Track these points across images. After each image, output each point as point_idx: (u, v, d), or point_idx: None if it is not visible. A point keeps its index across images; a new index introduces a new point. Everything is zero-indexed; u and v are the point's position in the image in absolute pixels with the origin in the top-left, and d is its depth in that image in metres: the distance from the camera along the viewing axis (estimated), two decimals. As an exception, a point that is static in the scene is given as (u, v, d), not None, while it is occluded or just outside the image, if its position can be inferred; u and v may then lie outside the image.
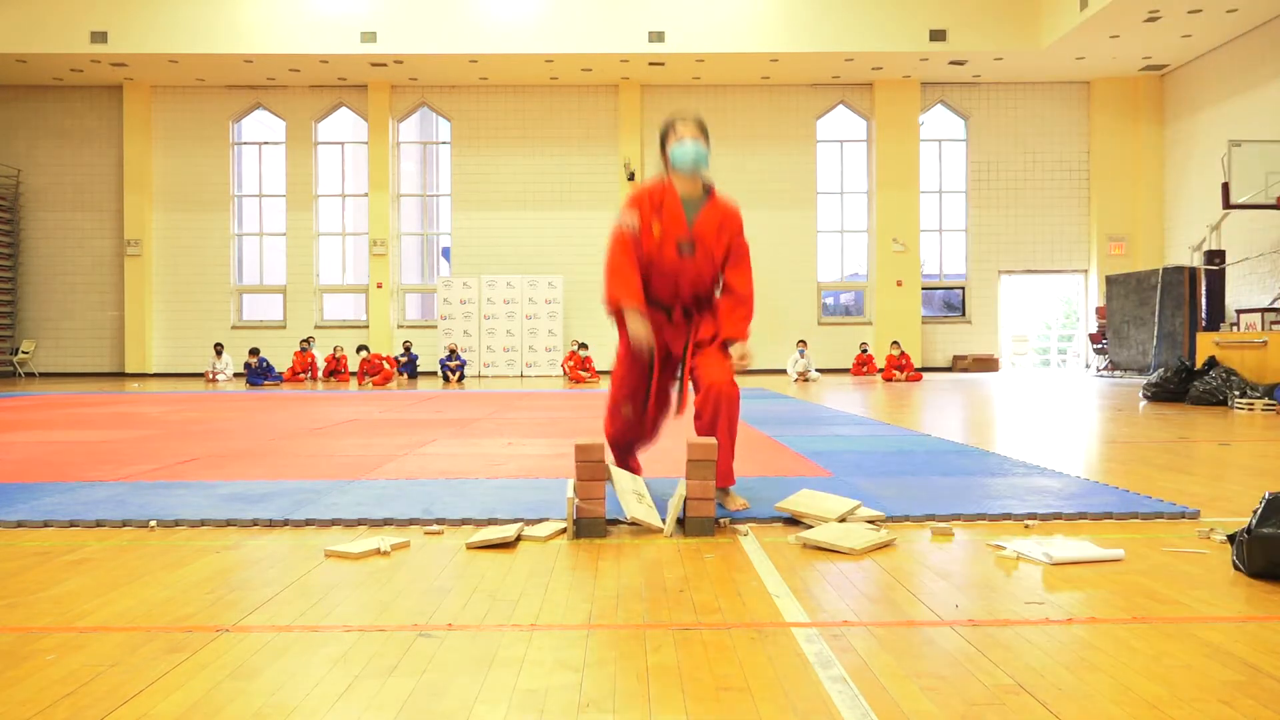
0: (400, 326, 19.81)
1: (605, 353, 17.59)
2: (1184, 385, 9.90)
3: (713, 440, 3.32)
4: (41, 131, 19.58)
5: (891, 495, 3.93)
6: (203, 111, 19.67)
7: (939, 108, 19.66)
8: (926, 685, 1.88)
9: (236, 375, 18.38)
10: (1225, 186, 13.93)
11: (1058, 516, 3.54)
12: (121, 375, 19.28)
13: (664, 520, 3.33)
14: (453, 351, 17.23)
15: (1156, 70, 18.39)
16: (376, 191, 19.48)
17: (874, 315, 19.45)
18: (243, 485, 4.31)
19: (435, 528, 3.39)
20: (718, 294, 3.86)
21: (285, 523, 3.49)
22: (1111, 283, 16.98)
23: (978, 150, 19.61)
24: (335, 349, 17.70)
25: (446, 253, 20.59)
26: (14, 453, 5.68)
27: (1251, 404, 8.89)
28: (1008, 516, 3.53)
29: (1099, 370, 17.67)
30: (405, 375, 17.72)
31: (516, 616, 2.37)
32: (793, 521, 3.45)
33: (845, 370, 19.08)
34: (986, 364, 19.31)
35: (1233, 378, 9.48)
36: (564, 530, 3.31)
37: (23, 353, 19.35)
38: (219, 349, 17.78)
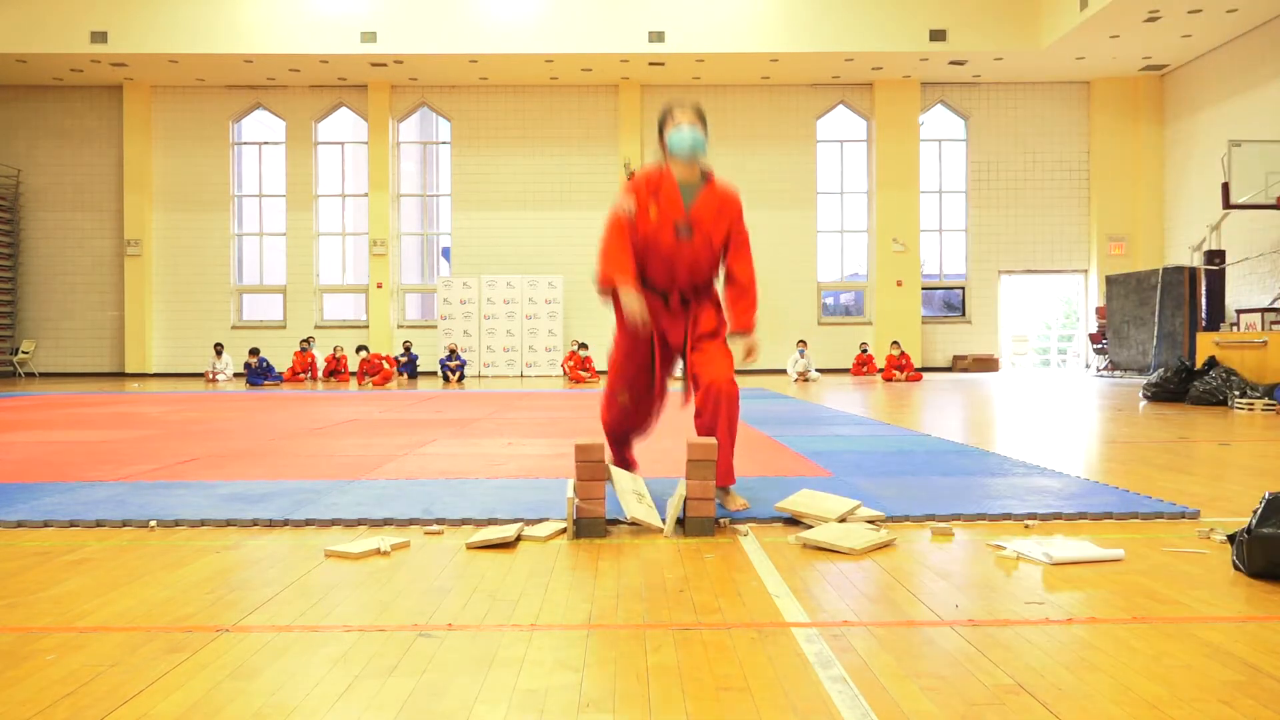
0: (400, 326, 19.81)
1: (605, 351, 17.58)
2: (1184, 385, 9.90)
3: (713, 440, 3.33)
4: (41, 131, 19.58)
5: (891, 495, 3.93)
6: (203, 111, 19.67)
7: (939, 108, 19.66)
8: (926, 685, 1.88)
9: (236, 375, 18.38)
10: (1225, 186, 13.93)
11: (1058, 516, 3.54)
12: (121, 375, 19.28)
13: (664, 520, 3.33)
14: (453, 351, 17.23)
15: (1156, 70, 18.39)
16: (376, 191, 19.48)
17: (874, 315, 19.45)
18: (243, 485, 4.31)
19: (435, 528, 3.39)
20: (717, 283, 3.86)
21: (285, 523, 3.49)
22: (1111, 283, 16.98)
23: (978, 150, 19.61)
24: (335, 349, 17.70)
25: (446, 253, 20.59)
26: (14, 453, 5.68)
27: (1251, 404, 8.89)
28: (1008, 516, 3.53)
29: (1099, 370, 17.67)
30: (405, 375, 17.72)
31: (516, 616, 2.37)
32: (793, 521, 3.45)
33: (845, 370, 19.08)
34: (986, 364, 19.31)
35: (1233, 378, 9.48)
36: (564, 530, 3.31)
37: (23, 353, 19.35)
38: (219, 349, 17.78)
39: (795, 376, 16.34)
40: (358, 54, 17.63)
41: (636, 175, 3.76)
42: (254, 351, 16.65)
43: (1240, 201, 13.71)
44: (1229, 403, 9.27)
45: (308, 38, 17.51)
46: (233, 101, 19.70)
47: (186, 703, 1.81)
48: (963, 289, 19.88)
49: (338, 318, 20.38)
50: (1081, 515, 3.54)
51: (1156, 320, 15.32)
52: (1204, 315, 14.55)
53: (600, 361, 17.57)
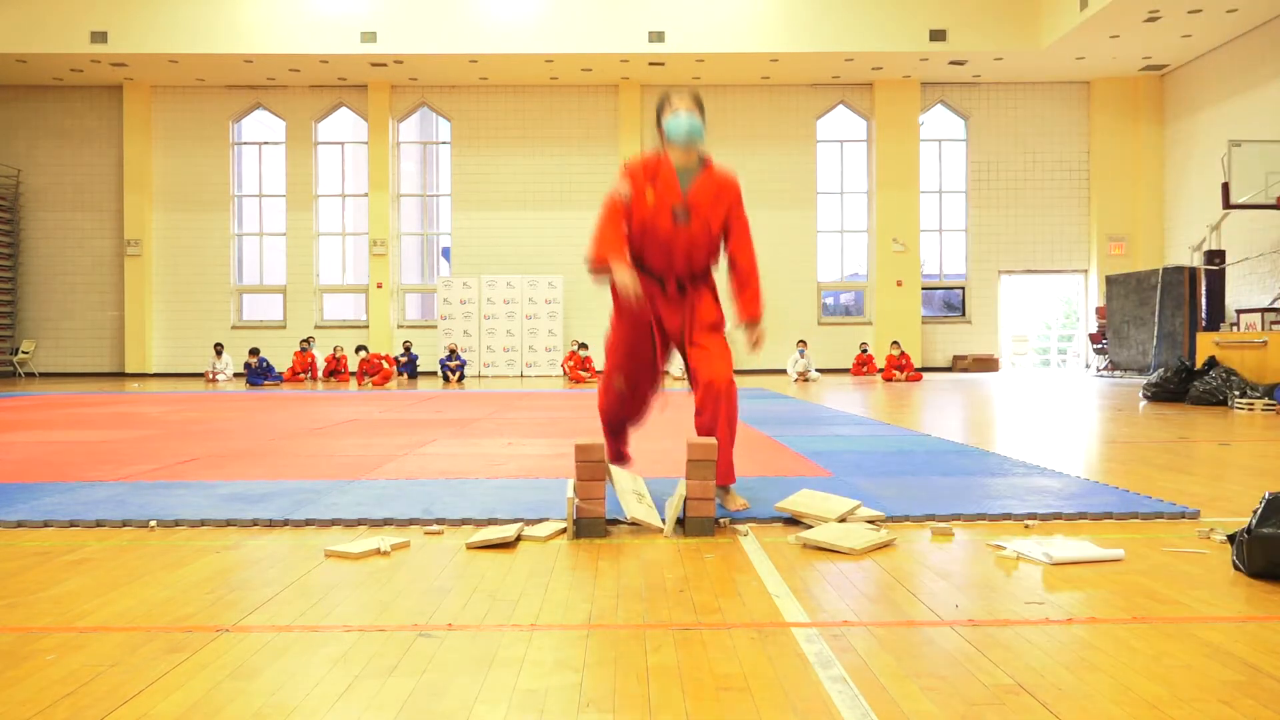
0: (400, 326, 19.81)
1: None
2: (1184, 385, 9.90)
3: (713, 440, 3.32)
4: (41, 131, 19.58)
5: (891, 495, 3.93)
6: (203, 111, 19.67)
7: (939, 108, 19.66)
8: (926, 685, 1.88)
9: (236, 375, 18.38)
10: (1225, 186, 13.93)
11: (1058, 516, 3.53)
12: (121, 375, 19.28)
13: (664, 520, 3.33)
14: (453, 351, 17.23)
15: (1156, 70, 18.39)
16: (376, 191, 19.48)
17: (874, 315, 19.45)
18: (243, 485, 4.31)
19: (435, 528, 3.39)
20: (714, 271, 3.86)
21: (285, 523, 3.49)
22: (1111, 283, 16.98)
23: (978, 150, 19.61)
24: (335, 349, 17.70)
25: (446, 253, 20.59)
26: (14, 453, 5.68)
27: (1251, 404, 8.89)
28: (1008, 516, 3.53)
29: (1099, 370, 17.67)
30: (405, 375, 17.72)
31: (516, 616, 2.37)
32: (793, 521, 3.45)
33: (845, 370, 19.08)
34: (986, 364, 19.31)
35: (1233, 378, 9.48)
36: (564, 530, 3.31)
37: (23, 353, 19.35)
38: (219, 349, 17.78)
39: (795, 376, 16.34)
40: (358, 54, 17.63)
41: (634, 160, 3.77)
42: (254, 351, 16.66)
43: (1240, 201, 13.71)
44: (1229, 403, 9.27)
45: (308, 38, 17.51)
46: (233, 101, 19.70)
47: (186, 703, 1.81)
48: (963, 289, 19.89)
49: (338, 318, 20.38)
50: (1081, 515, 3.54)
51: (1156, 320, 15.32)
52: (1204, 315, 14.55)
53: (600, 361, 17.57)
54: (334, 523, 3.49)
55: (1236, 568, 2.76)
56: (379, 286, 19.45)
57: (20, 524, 3.48)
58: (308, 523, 3.49)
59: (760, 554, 3.01)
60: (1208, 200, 16.59)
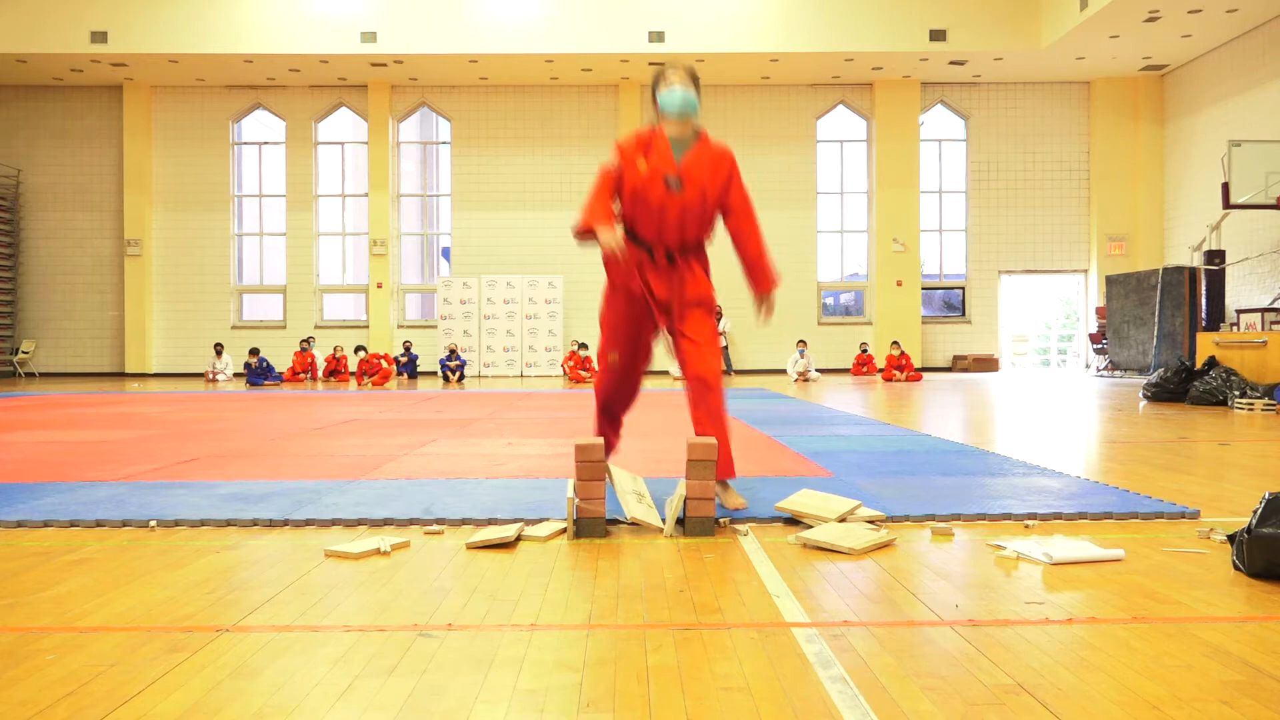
0: (400, 326, 19.81)
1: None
2: (1184, 385, 9.90)
3: (712, 440, 3.32)
4: (41, 131, 19.58)
5: (891, 495, 3.93)
6: (203, 111, 19.67)
7: (939, 108, 19.66)
8: (926, 685, 1.88)
9: (236, 375, 18.39)
10: (1225, 186, 13.93)
11: (1058, 516, 3.53)
12: (121, 375, 19.29)
13: (664, 520, 3.33)
14: (453, 351, 17.24)
15: (1156, 70, 18.39)
16: (376, 191, 19.48)
17: (874, 315, 19.45)
18: (243, 485, 4.31)
19: (435, 528, 3.39)
20: (706, 244, 3.87)
21: (285, 523, 3.49)
22: (1111, 283, 16.98)
23: (978, 150, 19.61)
24: (335, 349, 17.71)
25: (446, 253, 20.59)
26: (14, 453, 5.68)
27: (1251, 404, 8.89)
28: (1008, 516, 3.53)
29: (1099, 370, 17.67)
30: (405, 375, 17.72)
31: (516, 616, 2.37)
32: (793, 521, 3.45)
33: (845, 370, 19.08)
34: (986, 364, 19.31)
35: (1233, 378, 9.48)
36: (564, 530, 3.31)
37: (23, 353, 19.35)
38: (219, 349, 17.78)
39: (795, 376, 16.34)
40: (358, 54, 17.63)
41: (626, 136, 3.79)
42: (254, 351, 16.66)
43: (1240, 201, 13.71)
44: (1229, 403, 9.27)
45: (308, 38, 17.51)
46: (233, 101, 19.70)
47: (186, 703, 1.81)
48: (963, 289, 19.89)
49: (338, 318, 20.38)
50: (1081, 515, 3.54)
51: (1156, 320, 15.32)
52: (1204, 315, 14.55)
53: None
54: (334, 523, 3.49)
55: (1236, 568, 2.76)
56: (379, 286, 19.45)
57: (20, 524, 3.48)
58: (308, 523, 3.49)
59: (760, 554, 3.00)
60: (1208, 200, 16.60)
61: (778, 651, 2.09)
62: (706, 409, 3.64)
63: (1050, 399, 10.81)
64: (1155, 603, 2.46)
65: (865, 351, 18.22)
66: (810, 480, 4.35)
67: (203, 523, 3.49)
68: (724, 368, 18.12)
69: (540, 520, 3.46)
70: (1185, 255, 16.60)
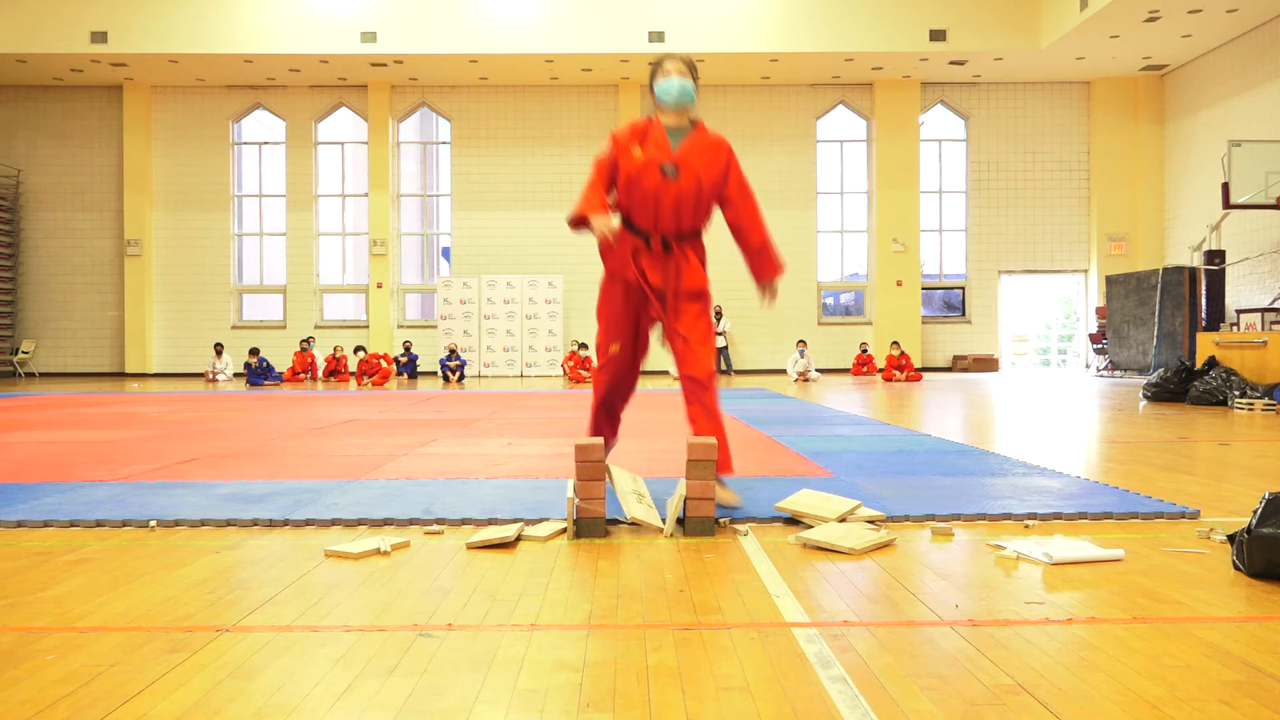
0: (400, 326, 19.81)
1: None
2: (1184, 385, 9.90)
3: (713, 440, 3.32)
4: (41, 131, 19.58)
5: (891, 495, 3.93)
6: (203, 111, 19.68)
7: (939, 108, 19.66)
8: (926, 685, 1.88)
9: (236, 375, 18.39)
10: (1225, 186, 13.93)
11: (1058, 516, 3.53)
12: (121, 375, 19.29)
13: (664, 520, 3.33)
14: (453, 351, 17.24)
15: (1156, 70, 18.39)
16: (376, 191, 19.49)
17: (874, 315, 19.45)
18: (243, 485, 4.31)
19: (435, 528, 3.39)
20: (702, 233, 3.89)
21: (285, 523, 3.49)
22: (1111, 283, 16.99)
23: (978, 150, 19.61)
24: (335, 349, 17.71)
25: (446, 253, 20.59)
26: (14, 453, 5.68)
27: (1251, 404, 8.89)
28: (1008, 516, 3.53)
29: (1099, 370, 17.67)
30: (405, 375, 17.72)
31: (516, 616, 2.37)
32: (793, 521, 3.45)
33: (845, 370, 19.08)
34: (986, 364, 19.31)
35: (1233, 378, 9.48)
36: (564, 530, 3.31)
37: (23, 353, 19.35)
38: (219, 349, 17.78)
39: (795, 376, 16.34)
40: (358, 54, 17.63)
41: (621, 127, 3.82)
42: (254, 351, 16.66)
43: (1240, 201, 13.71)
44: (1229, 403, 9.27)
45: (308, 38, 17.51)
46: (233, 101, 19.70)
47: (186, 703, 1.81)
48: (963, 289, 19.89)
49: (338, 318, 20.38)
50: (1081, 515, 3.54)
51: (1156, 320, 15.32)
52: (1204, 315, 14.55)
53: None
54: (334, 523, 3.49)
55: (1236, 568, 2.76)
56: (379, 286, 19.45)
57: (20, 524, 3.48)
58: (308, 523, 3.49)
59: (760, 554, 3.00)
60: (1208, 200, 16.60)
61: (778, 651, 2.09)
62: (702, 406, 3.66)
63: (1050, 399, 10.80)
64: (1155, 603, 2.46)
65: (865, 351, 18.22)
66: (810, 480, 4.35)
67: (203, 523, 3.49)
68: (724, 367, 18.33)
69: (540, 520, 3.46)
70: (1185, 255, 16.60)
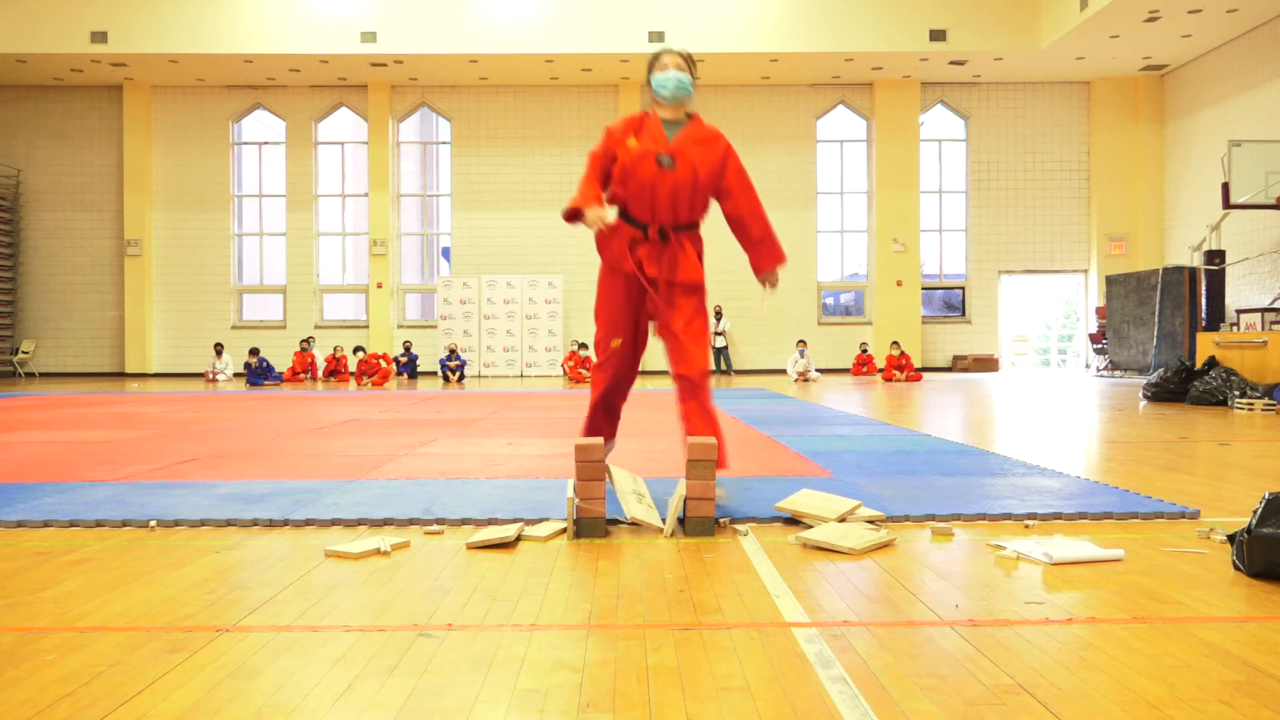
0: (400, 326, 19.81)
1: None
2: (1184, 385, 9.90)
3: (713, 440, 3.32)
4: (41, 131, 19.58)
5: (891, 495, 3.93)
6: (203, 111, 19.68)
7: (939, 108, 19.66)
8: (926, 685, 1.88)
9: (236, 375, 18.38)
10: (1225, 186, 13.93)
11: (1058, 516, 3.53)
12: (121, 375, 19.28)
13: (664, 520, 3.33)
14: (453, 351, 17.24)
15: (1156, 70, 18.39)
16: (376, 191, 19.48)
17: (874, 315, 19.45)
18: (243, 485, 4.31)
19: (435, 528, 3.39)
20: (699, 225, 3.89)
21: (285, 523, 3.49)
22: (1111, 283, 16.99)
23: (978, 150, 19.61)
24: (335, 349, 17.71)
25: (446, 253, 20.59)
26: (14, 453, 5.68)
27: (1251, 404, 8.89)
28: (1008, 516, 3.53)
29: (1099, 370, 17.67)
30: (405, 375, 17.72)
31: (516, 616, 2.37)
32: (793, 521, 3.45)
33: (845, 370, 19.08)
34: (986, 364, 19.31)
35: (1233, 378, 9.48)
36: (564, 530, 3.31)
37: (23, 353, 19.35)
38: (219, 349, 17.78)
39: (795, 376, 16.34)
40: (358, 54, 17.63)
41: (616, 120, 3.84)
42: (254, 351, 16.66)
43: (1240, 201, 13.71)
44: (1229, 403, 9.27)
45: (308, 38, 17.51)
46: (233, 101, 19.70)
47: (186, 703, 1.81)
48: (963, 289, 19.89)
49: (338, 318, 20.38)
50: (1081, 515, 3.54)
51: (1156, 320, 15.32)
52: (1204, 315, 14.55)
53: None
54: (334, 523, 3.49)
55: (1236, 568, 2.76)
56: (379, 286, 19.45)
57: (20, 524, 3.48)
58: (308, 523, 3.49)
59: (760, 554, 3.00)
60: (1208, 200, 16.60)
61: (778, 651, 2.09)
62: (696, 404, 3.69)
63: (1050, 399, 10.80)
64: (1155, 603, 2.46)
65: (865, 351, 18.22)
66: (810, 480, 4.35)
67: (203, 523, 3.49)
68: (724, 367, 18.33)
69: (540, 520, 3.46)
70: (1185, 255, 16.60)
